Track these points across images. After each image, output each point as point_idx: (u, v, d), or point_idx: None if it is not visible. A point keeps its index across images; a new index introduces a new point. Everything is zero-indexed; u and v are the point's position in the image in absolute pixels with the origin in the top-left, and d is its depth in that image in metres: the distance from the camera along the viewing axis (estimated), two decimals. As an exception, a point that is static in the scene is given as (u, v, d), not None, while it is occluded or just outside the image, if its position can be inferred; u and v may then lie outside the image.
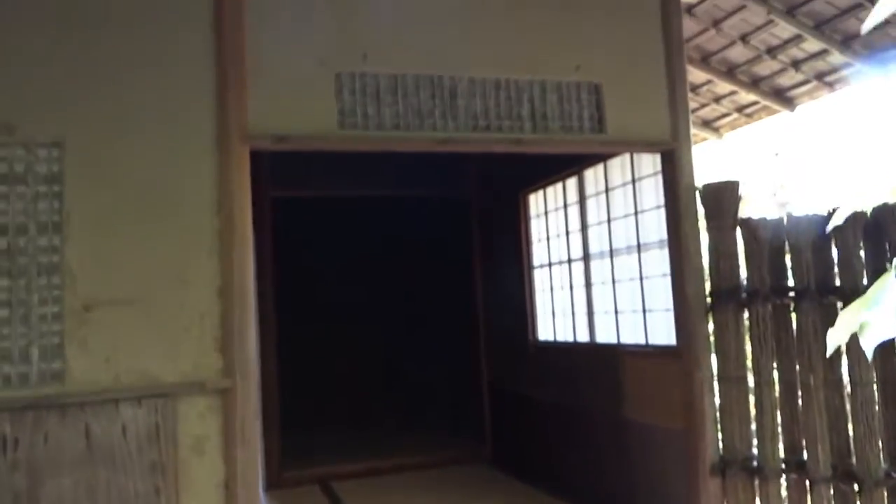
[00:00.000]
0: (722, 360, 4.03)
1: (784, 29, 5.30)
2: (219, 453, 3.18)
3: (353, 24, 3.62)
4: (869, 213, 3.79)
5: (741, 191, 4.15)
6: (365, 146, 3.70)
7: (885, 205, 3.78)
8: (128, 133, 3.20)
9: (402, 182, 6.84)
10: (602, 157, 5.01)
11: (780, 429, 3.92)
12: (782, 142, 14.06)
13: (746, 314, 4.02)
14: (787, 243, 3.99)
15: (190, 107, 3.30)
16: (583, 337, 5.42)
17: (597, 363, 5.13)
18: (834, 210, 3.99)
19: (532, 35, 3.95)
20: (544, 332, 6.05)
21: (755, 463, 3.92)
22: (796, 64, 5.75)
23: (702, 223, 4.19)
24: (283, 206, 6.35)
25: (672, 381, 4.23)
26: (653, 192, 4.52)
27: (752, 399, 4.02)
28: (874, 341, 0.55)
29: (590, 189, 5.33)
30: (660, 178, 4.36)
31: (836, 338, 0.62)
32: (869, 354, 0.63)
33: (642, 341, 4.69)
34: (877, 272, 3.95)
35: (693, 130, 4.38)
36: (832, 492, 3.75)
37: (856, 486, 3.69)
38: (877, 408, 3.69)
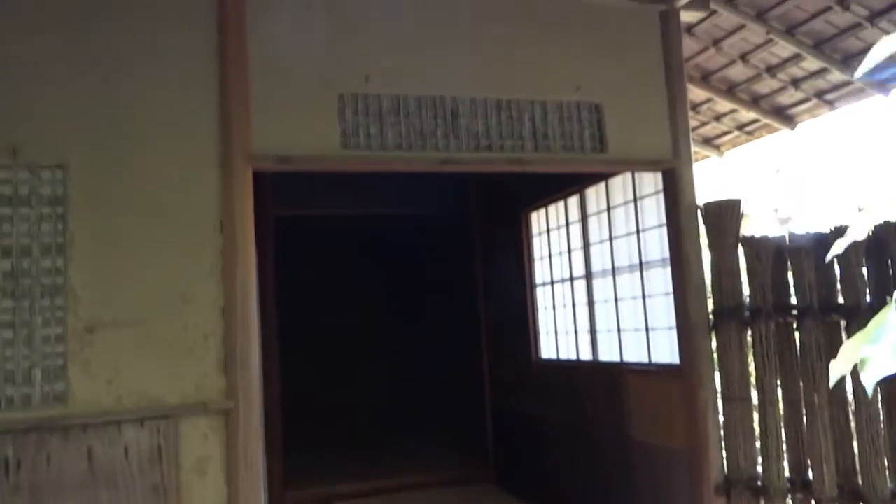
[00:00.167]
0: (725, 379, 4.02)
1: (784, 48, 5.32)
2: (221, 474, 3.17)
3: (356, 46, 3.65)
4: (871, 231, 3.79)
5: (743, 209, 4.16)
6: (368, 166, 3.71)
7: (886, 223, 3.78)
8: (131, 155, 3.22)
9: (404, 200, 6.86)
10: (603, 176, 5.02)
11: (784, 448, 3.90)
12: (783, 159, 14.10)
13: (749, 332, 4.01)
14: (789, 261, 3.99)
15: (194, 128, 3.32)
16: (586, 355, 5.40)
17: (600, 382, 5.12)
18: (836, 229, 3.99)
19: (533, 55, 3.98)
20: (547, 351, 6.04)
21: (760, 483, 3.90)
22: (796, 82, 5.77)
23: (704, 241, 4.19)
24: (286, 225, 6.37)
25: (675, 400, 4.21)
26: (654, 210, 4.53)
27: (756, 418, 4.00)
28: (874, 378, 0.55)
29: (591, 207, 5.35)
30: (661, 196, 4.37)
31: (838, 370, 0.63)
32: (869, 390, 0.63)
33: (645, 360, 4.68)
34: (879, 289, 3.95)
35: (694, 148, 4.40)
36: (838, 511, 3.73)
37: (862, 506, 3.66)
38: (882, 426, 3.67)
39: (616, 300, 5.00)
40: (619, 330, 4.97)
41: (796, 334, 3.93)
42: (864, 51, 5.08)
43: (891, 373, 0.55)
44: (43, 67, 3.16)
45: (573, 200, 5.57)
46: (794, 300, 3.95)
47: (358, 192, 6.50)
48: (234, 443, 3.18)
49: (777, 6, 4.86)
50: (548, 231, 6.03)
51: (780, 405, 3.92)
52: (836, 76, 5.50)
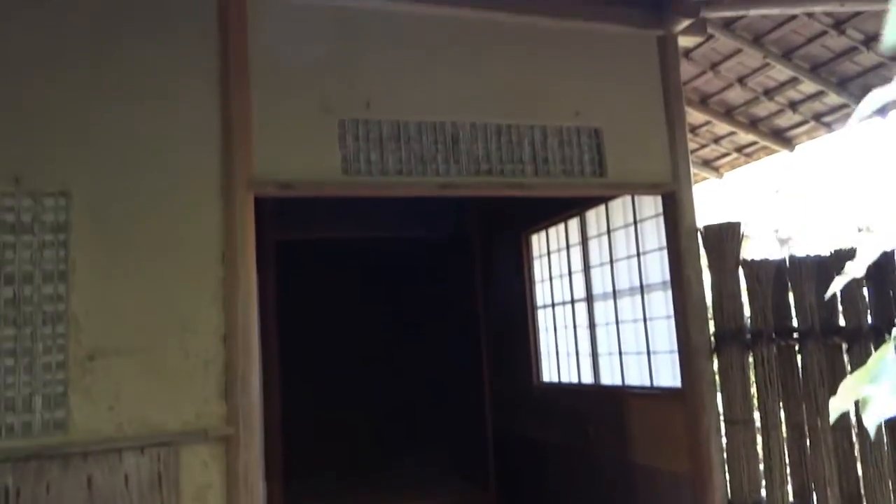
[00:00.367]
0: (728, 403, 4.01)
1: (780, 71, 5.37)
2: (222, 502, 3.15)
3: (357, 73, 3.68)
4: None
5: (743, 231, 4.17)
6: (368, 192, 3.73)
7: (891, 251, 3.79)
8: (134, 181, 3.24)
9: (404, 223, 6.87)
10: (603, 199, 5.04)
11: (788, 472, 3.87)
12: (782, 180, 14.15)
13: (751, 355, 4.00)
14: (789, 283, 4.00)
15: (197, 156, 3.34)
16: (587, 379, 5.39)
17: (601, 405, 5.09)
18: (837, 252, 4.00)
19: (532, 80, 4.02)
20: (549, 373, 6.02)
21: (764, 507, 3.87)
22: (794, 105, 5.81)
23: (704, 264, 4.20)
24: (286, 249, 6.38)
25: (678, 424, 4.19)
26: (654, 233, 4.54)
27: (759, 441, 3.98)
28: (876, 419, 0.55)
29: (592, 230, 5.36)
30: (661, 219, 4.38)
31: (838, 406, 0.63)
32: (871, 431, 0.63)
33: (647, 383, 4.66)
34: (880, 311, 3.95)
35: (693, 170, 4.42)
36: (843, 537, 3.70)
37: (867, 531, 3.63)
38: (886, 449, 3.66)
39: (617, 323, 5.00)
40: (620, 353, 4.96)
41: (798, 357, 3.92)
42: (860, 74, 5.14)
43: (893, 414, 0.55)
44: (47, 96, 3.19)
45: (573, 223, 5.59)
46: (795, 322, 3.95)
47: (358, 215, 6.52)
48: (235, 470, 3.16)
49: (773, 31, 4.91)
50: (548, 253, 6.03)
51: (783, 429, 3.90)
52: (833, 99, 5.54)
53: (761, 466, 3.94)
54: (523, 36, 4.05)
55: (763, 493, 3.91)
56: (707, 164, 7.23)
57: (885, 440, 3.66)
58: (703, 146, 6.89)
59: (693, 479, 4.06)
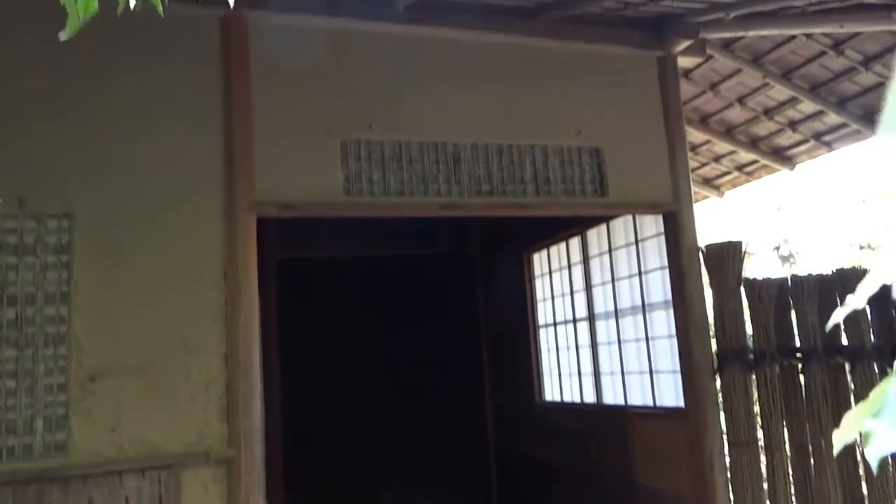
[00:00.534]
0: (731, 423, 3.99)
1: (780, 91, 5.39)
2: (222, 525, 3.13)
3: (358, 95, 3.70)
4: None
5: (744, 250, 4.17)
6: (370, 212, 3.74)
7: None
8: (137, 203, 3.25)
9: (406, 241, 6.89)
10: (605, 218, 5.04)
11: (793, 492, 3.85)
12: (784, 197, 14.17)
13: (754, 375, 3.99)
14: (791, 302, 3.99)
15: (198, 178, 3.35)
16: (589, 398, 5.36)
17: (604, 425, 5.07)
18: (838, 271, 4.00)
19: (533, 101, 4.04)
20: (551, 393, 5.99)
21: (769, 529, 3.84)
22: (793, 124, 5.83)
23: (706, 282, 4.19)
24: (288, 267, 6.38)
25: (681, 444, 4.17)
26: (656, 252, 4.54)
27: (763, 462, 3.96)
28: (879, 454, 0.55)
29: (593, 249, 5.36)
30: (662, 238, 4.38)
31: (842, 439, 0.63)
32: (874, 466, 0.63)
33: (650, 403, 4.64)
34: (882, 330, 3.95)
35: (694, 189, 4.43)
36: (849, 559, 3.67)
37: (873, 553, 3.60)
38: (891, 471, 3.63)
39: (619, 342, 4.99)
40: (622, 372, 4.95)
41: (801, 377, 3.91)
42: (859, 94, 5.16)
43: (894, 450, 0.55)
44: (52, 118, 3.21)
45: (574, 242, 5.59)
46: (797, 342, 3.94)
47: (360, 232, 6.54)
48: (236, 492, 3.14)
49: (772, 51, 4.94)
50: (550, 272, 6.03)
51: (787, 449, 3.88)
52: (832, 118, 5.55)
53: (765, 487, 3.91)
54: (524, 57, 4.08)
55: (767, 514, 3.88)
56: (708, 182, 7.24)
57: (890, 460, 3.64)
58: (704, 165, 6.91)
59: (697, 501, 4.02)
